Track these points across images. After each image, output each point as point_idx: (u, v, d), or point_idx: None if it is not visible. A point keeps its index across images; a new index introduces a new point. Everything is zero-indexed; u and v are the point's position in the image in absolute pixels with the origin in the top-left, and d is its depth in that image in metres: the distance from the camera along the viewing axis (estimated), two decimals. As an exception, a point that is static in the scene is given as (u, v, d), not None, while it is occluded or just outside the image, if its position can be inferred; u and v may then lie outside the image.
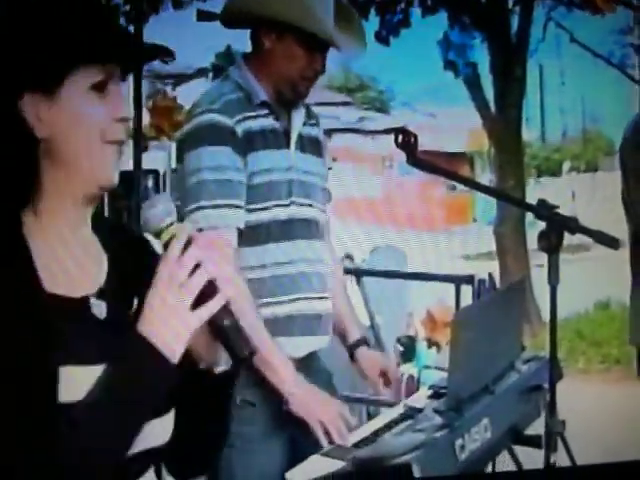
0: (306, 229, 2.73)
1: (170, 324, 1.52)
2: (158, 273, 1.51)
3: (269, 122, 2.71)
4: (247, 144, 2.65)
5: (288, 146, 2.74)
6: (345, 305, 2.96)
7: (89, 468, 1.53)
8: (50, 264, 1.60)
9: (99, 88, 1.64)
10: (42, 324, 1.54)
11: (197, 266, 1.50)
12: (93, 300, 1.63)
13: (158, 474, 1.80)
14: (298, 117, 2.77)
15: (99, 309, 1.63)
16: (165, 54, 1.83)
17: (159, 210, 1.56)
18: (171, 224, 1.55)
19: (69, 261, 1.65)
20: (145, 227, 1.58)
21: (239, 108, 2.67)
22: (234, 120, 2.64)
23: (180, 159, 2.67)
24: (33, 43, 1.66)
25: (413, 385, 3.99)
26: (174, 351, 1.51)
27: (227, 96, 2.69)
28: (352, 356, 2.91)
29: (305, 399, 2.58)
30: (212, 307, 1.51)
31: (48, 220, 1.65)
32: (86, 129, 1.64)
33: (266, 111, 2.70)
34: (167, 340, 1.51)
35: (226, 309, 1.54)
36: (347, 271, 3.34)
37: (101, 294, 1.64)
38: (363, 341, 2.92)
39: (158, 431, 1.71)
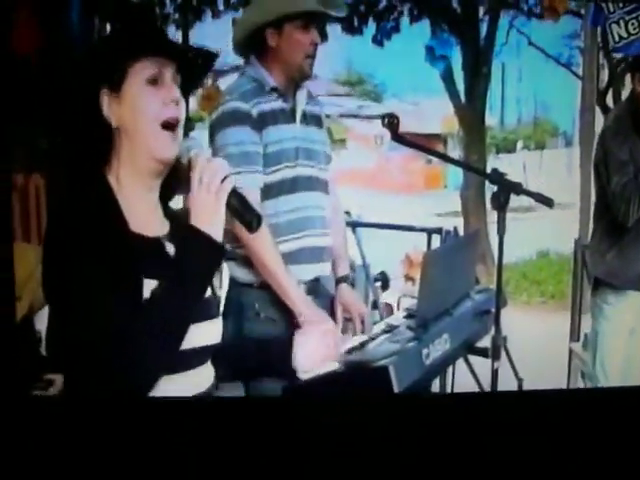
0: (309, 184, 2.80)
1: (209, 215, 1.72)
2: (196, 182, 1.73)
3: (278, 104, 2.76)
4: (261, 122, 2.71)
5: (294, 121, 2.79)
6: (341, 247, 3.02)
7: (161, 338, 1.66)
8: (131, 212, 1.71)
9: (153, 82, 1.72)
10: (130, 250, 1.66)
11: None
12: (165, 241, 1.79)
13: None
14: (301, 98, 2.82)
15: (169, 247, 1.79)
16: (206, 55, 1.90)
17: (186, 146, 1.78)
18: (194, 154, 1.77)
19: (144, 212, 1.76)
20: (180, 159, 1.78)
21: (254, 95, 2.72)
22: (250, 104, 2.70)
23: (212, 139, 2.74)
24: (102, 51, 1.75)
25: (390, 308, 3.99)
26: (217, 232, 1.73)
27: (244, 87, 2.74)
28: (337, 286, 2.97)
29: (310, 316, 2.66)
30: (227, 187, 1.74)
31: (126, 184, 1.75)
32: (144, 116, 1.74)
33: (275, 95, 2.76)
34: (211, 226, 1.72)
35: (233, 193, 1.76)
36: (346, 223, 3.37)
37: (169, 237, 1.81)
38: (345, 278, 2.98)
39: (210, 332, 1.82)
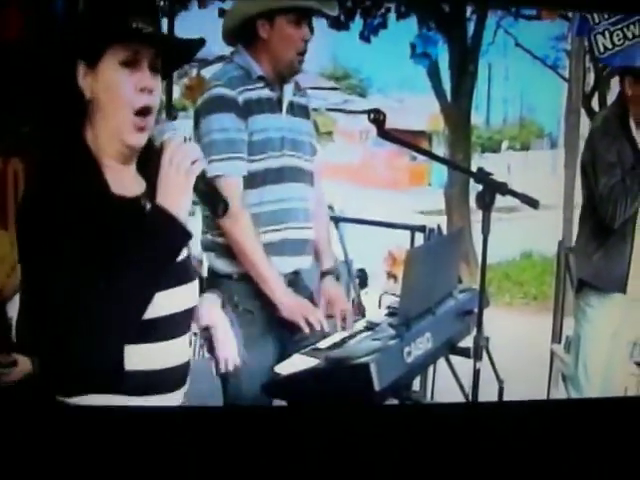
0: (294, 175, 2.78)
1: (177, 195, 1.72)
2: (166, 162, 1.73)
3: (265, 93, 2.74)
4: (247, 110, 2.69)
5: (280, 111, 2.78)
6: (324, 240, 3.00)
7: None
8: (110, 175, 1.71)
9: (127, 64, 1.72)
10: (112, 211, 1.71)
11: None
12: (144, 200, 1.80)
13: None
14: (289, 88, 2.80)
15: (149, 205, 1.78)
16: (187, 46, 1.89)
17: (159, 130, 1.79)
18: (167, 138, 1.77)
19: (122, 174, 1.76)
20: (154, 140, 1.79)
21: (240, 82, 2.71)
22: (236, 91, 2.68)
23: (196, 125, 2.72)
24: (83, 26, 1.74)
25: (361, 308, 3.93)
26: (183, 213, 1.72)
27: (230, 73, 2.73)
28: (321, 279, 2.95)
29: (291, 305, 2.65)
30: (196, 169, 1.73)
31: (102, 152, 1.74)
32: (115, 99, 1.73)
33: (262, 84, 2.74)
34: (178, 206, 1.71)
35: (203, 177, 1.77)
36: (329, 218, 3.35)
37: (147, 195, 1.81)
38: (331, 271, 2.96)
39: (186, 296, 1.82)
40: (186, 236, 1.77)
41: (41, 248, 1.64)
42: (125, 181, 1.79)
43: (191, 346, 1.96)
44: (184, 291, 1.84)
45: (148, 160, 1.83)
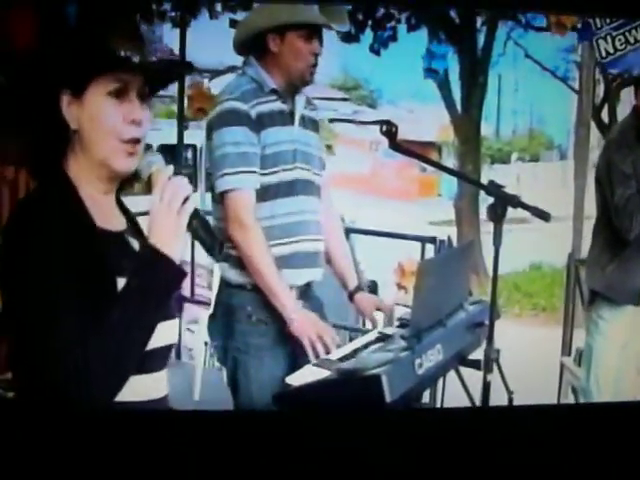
0: (306, 188, 2.78)
1: (170, 235, 1.65)
2: (157, 200, 1.66)
3: (277, 105, 2.75)
4: (260, 123, 2.69)
5: (292, 123, 2.78)
6: (344, 257, 3.01)
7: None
8: (93, 208, 1.70)
9: (116, 95, 1.69)
10: (98, 245, 1.66)
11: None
12: (128, 236, 1.79)
13: None
14: (300, 101, 2.81)
15: (133, 242, 1.78)
16: (177, 69, 1.86)
17: (147, 161, 1.74)
18: (155, 170, 1.72)
19: (105, 208, 1.74)
20: (140, 173, 1.74)
21: (253, 96, 2.71)
22: (249, 105, 2.68)
23: (209, 137, 2.73)
24: (67, 55, 1.72)
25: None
26: (177, 254, 1.65)
27: (243, 87, 2.73)
28: (351, 298, 2.96)
29: (301, 323, 2.64)
30: (188, 208, 1.65)
31: (85, 183, 1.72)
32: (101, 127, 1.69)
33: (274, 97, 2.74)
34: (171, 247, 1.64)
35: (196, 215, 1.69)
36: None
37: (130, 232, 1.80)
38: (360, 287, 2.96)
39: (168, 333, 1.79)
40: (181, 276, 1.70)
41: (22, 280, 1.59)
42: (106, 214, 1.74)
43: (203, 356, 1.96)
44: (167, 327, 1.80)
45: (126, 191, 1.82)
